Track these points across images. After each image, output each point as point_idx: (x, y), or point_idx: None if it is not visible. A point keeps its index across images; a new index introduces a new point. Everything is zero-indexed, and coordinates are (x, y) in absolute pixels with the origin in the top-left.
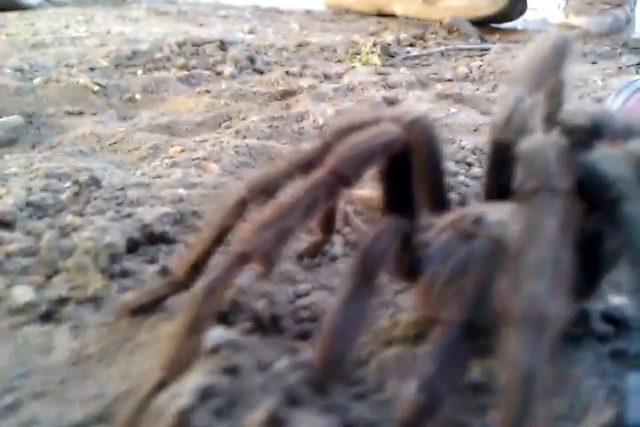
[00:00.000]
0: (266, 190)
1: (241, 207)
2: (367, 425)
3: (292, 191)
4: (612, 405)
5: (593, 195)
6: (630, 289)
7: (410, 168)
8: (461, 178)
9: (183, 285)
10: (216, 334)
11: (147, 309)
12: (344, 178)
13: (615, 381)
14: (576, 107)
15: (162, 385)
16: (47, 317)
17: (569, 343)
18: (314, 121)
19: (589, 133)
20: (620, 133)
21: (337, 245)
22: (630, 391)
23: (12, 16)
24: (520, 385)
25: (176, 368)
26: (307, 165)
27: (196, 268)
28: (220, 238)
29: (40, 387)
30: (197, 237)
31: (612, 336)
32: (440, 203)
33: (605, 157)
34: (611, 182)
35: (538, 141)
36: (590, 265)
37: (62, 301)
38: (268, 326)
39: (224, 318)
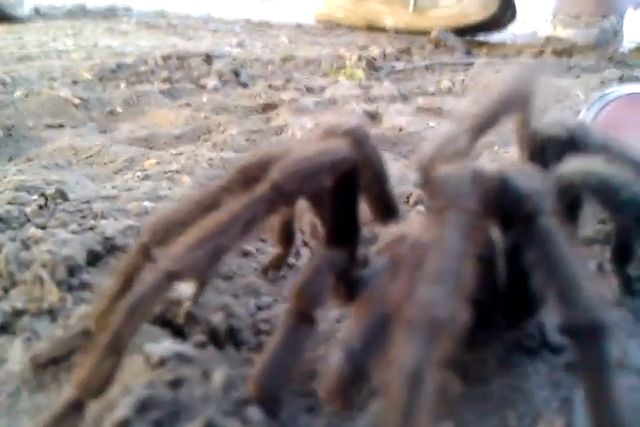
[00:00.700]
0: (167, 236)
1: (143, 254)
2: None
3: (228, 206)
4: (562, 416)
5: (509, 211)
6: (552, 304)
7: (354, 185)
8: None
9: (93, 335)
10: (164, 346)
11: (58, 362)
12: (286, 195)
13: (568, 392)
14: (553, 117)
15: (74, 407)
16: (2, 329)
17: (523, 355)
18: (292, 134)
19: (564, 145)
20: (596, 148)
21: (303, 258)
22: (578, 402)
23: (0, 29)
24: (402, 386)
25: (91, 389)
26: (211, 206)
27: (105, 317)
28: (124, 287)
29: None
30: (104, 288)
31: (566, 348)
32: (388, 211)
33: (520, 173)
34: (525, 197)
35: (452, 168)
36: (518, 280)
37: (18, 313)
38: (224, 338)
39: (179, 331)
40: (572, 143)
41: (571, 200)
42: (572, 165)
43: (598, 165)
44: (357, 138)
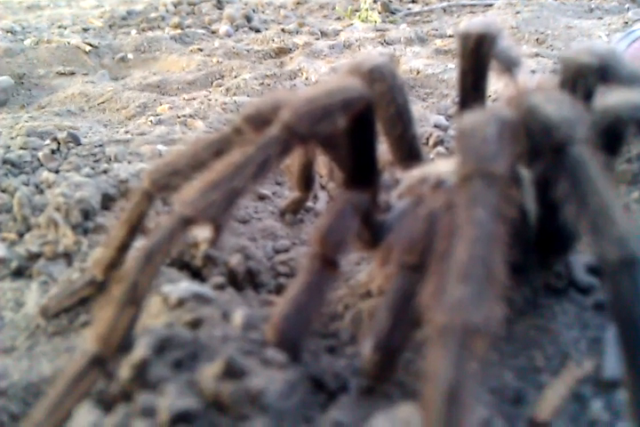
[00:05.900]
0: (169, 183)
1: (146, 201)
2: (333, 376)
3: (240, 149)
4: (592, 357)
5: (538, 141)
6: (583, 237)
7: (371, 126)
8: (451, 132)
9: (102, 284)
10: (182, 287)
11: (69, 310)
12: (298, 135)
13: (597, 333)
14: (582, 45)
15: (96, 363)
16: (18, 273)
17: (550, 295)
18: (306, 78)
19: (595, 74)
20: (625, 79)
21: (321, 201)
22: (608, 343)
23: None
24: (441, 401)
25: (111, 343)
26: (213, 155)
27: (113, 265)
28: (130, 234)
29: (10, 342)
30: (108, 236)
31: (595, 288)
32: (411, 154)
33: (549, 100)
34: (555, 126)
35: (478, 117)
36: (548, 216)
37: (33, 257)
38: (242, 280)
39: (197, 273)
40: (602, 71)
41: (614, 134)
42: (618, 98)
43: None
44: (379, 76)
